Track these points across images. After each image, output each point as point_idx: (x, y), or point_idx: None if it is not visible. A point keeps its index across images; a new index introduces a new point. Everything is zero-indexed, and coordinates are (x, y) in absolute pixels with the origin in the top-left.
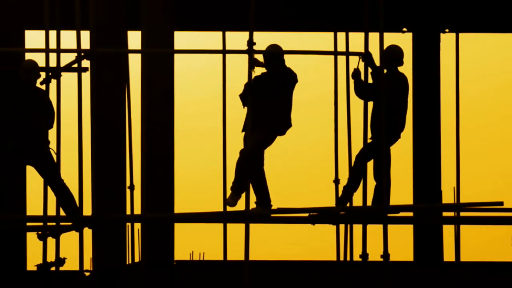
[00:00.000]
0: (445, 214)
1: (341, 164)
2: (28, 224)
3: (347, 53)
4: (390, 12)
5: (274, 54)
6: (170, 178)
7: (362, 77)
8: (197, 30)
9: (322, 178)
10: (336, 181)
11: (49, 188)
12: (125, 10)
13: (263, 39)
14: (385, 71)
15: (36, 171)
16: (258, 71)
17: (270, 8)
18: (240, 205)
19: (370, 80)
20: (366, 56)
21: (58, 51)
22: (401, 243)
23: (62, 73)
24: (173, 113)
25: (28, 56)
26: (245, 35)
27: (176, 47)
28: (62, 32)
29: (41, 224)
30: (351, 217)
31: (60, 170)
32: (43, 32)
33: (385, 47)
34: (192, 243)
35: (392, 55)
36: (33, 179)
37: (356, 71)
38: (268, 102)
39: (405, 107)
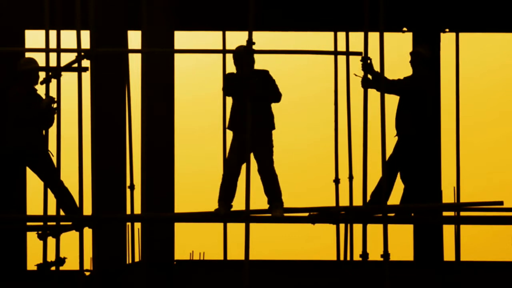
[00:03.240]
0: (445, 214)
1: (341, 164)
2: (28, 223)
3: (347, 53)
4: (390, 12)
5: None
6: (170, 178)
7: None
8: (197, 30)
9: (322, 177)
10: (336, 180)
11: (48, 188)
12: (125, 10)
13: (263, 39)
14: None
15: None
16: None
17: (270, 8)
18: (240, 205)
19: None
20: (364, 62)
21: (58, 50)
22: (401, 243)
23: (62, 73)
24: (173, 113)
25: (28, 56)
26: (245, 35)
27: (176, 47)
28: (62, 32)
29: (41, 223)
30: (351, 217)
31: (59, 170)
32: (43, 32)
33: (385, 47)
34: (192, 243)
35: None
36: (33, 179)
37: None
38: (256, 104)
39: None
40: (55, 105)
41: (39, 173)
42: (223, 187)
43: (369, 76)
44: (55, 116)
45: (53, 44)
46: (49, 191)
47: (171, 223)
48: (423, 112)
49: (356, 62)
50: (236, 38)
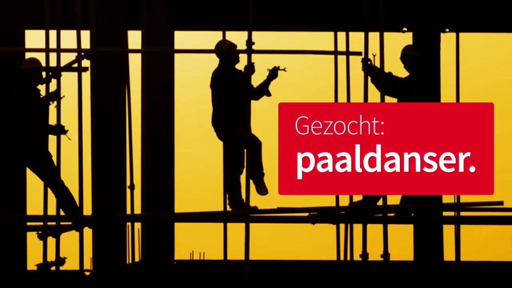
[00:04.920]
0: (445, 214)
1: None
2: (28, 223)
3: (347, 53)
4: (390, 12)
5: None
6: (170, 178)
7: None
8: (197, 30)
9: None
10: None
11: (49, 188)
12: (125, 10)
13: (263, 39)
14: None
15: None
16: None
17: (270, 8)
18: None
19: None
20: (364, 63)
21: (58, 50)
22: (401, 243)
23: (62, 73)
24: (173, 113)
25: (28, 56)
26: (245, 35)
27: (176, 47)
28: (62, 32)
29: (41, 223)
30: (351, 217)
31: (60, 170)
32: (43, 32)
33: (385, 47)
34: (192, 243)
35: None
36: (33, 179)
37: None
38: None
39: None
40: (54, 103)
41: (39, 173)
42: (236, 189)
43: (369, 76)
44: (54, 113)
45: (53, 44)
46: (49, 191)
47: (171, 223)
48: None
49: (356, 62)
50: (236, 38)
